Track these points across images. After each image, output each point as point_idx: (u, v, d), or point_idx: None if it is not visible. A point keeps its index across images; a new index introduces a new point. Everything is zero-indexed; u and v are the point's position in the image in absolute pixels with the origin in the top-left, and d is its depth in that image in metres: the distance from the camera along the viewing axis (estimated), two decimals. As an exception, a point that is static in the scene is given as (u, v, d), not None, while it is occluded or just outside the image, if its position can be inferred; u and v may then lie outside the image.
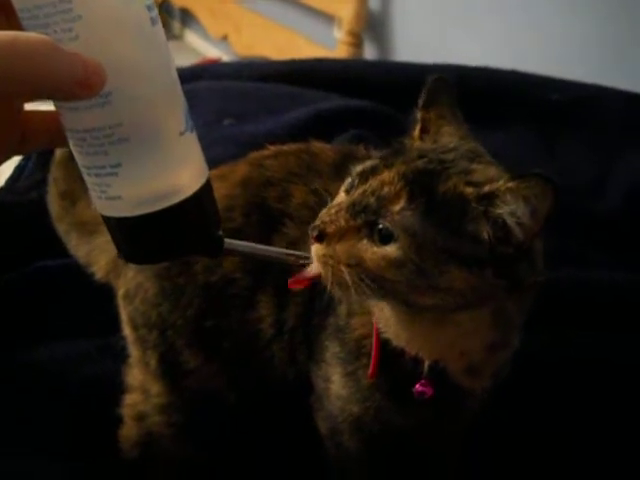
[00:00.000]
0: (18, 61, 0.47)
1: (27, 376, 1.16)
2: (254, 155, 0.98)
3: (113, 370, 1.07)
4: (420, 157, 0.72)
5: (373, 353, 0.82)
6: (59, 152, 1.09)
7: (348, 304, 0.86)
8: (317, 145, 0.97)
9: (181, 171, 0.60)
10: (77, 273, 1.08)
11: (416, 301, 0.70)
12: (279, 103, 1.64)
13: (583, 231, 1.40)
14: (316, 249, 0.71)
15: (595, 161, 1.58)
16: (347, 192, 0.74)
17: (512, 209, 0.65)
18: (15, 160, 1.56)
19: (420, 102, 0.80)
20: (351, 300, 0.82)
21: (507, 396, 0.90)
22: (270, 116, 1.56)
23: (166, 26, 4.57)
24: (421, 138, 0.79)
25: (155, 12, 0.56)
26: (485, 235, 0.67)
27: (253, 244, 0.71)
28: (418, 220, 0.67)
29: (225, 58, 3.85)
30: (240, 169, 0.95)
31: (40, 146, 0.65)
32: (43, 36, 0.49)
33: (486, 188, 0.67)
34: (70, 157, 0.96)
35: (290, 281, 0.73)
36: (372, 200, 0.69)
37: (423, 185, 0.68)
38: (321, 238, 0.70)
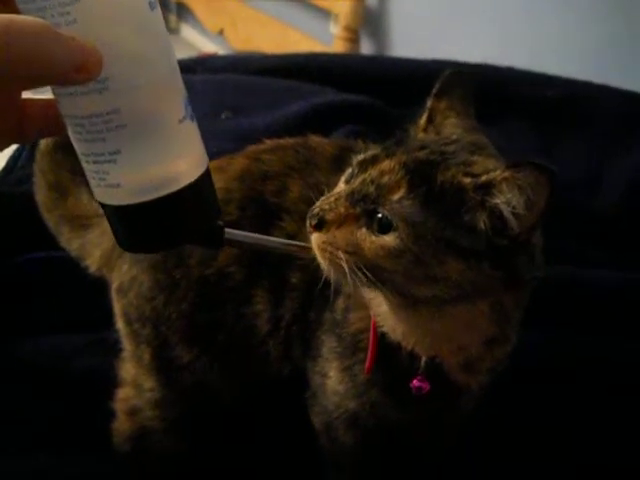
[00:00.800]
0: (14, 45, 0.47)
1: (18, 370, 1.15)
2: (252, 149, 0.97)
3: (106, 364, 1.06)
4: (422, 148, 0.72)
5: (370, 347, 0.82)
6: (44, 142, 1.08)
7: (346, 299, 0.86)
8: (315, 139, 0.96)
9: (180, 159, 0.59)
10: (69, 266, 1.07)
11: (413, 292, 0.69)
12: (276, 97, 1.63)
13: (579, 228, 1.39)
14: (316, 237, 0.71)
15: (591, 158, 1.57)
16: (347, 182, 0.74)
17: (507, 198, 0.65)
18: (8, 152, 1.55)
19: (433, 91, 0.80)
20: (349, 289, 0.81)
21: (504, 394, 0.90)
22: (267, 110, 1.55)
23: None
24: (426, 127, 0.79)
25: None
26: (482, 225, 0.67)
27: (254, 234, 0.71)
28: (417, 210, 0.67)
29: (221, 53, 3.83)
30: (237, 162, 0.95)
31: (38, 134, 0.64)
32: (40, 20, 0.49)
33: (483, 178, 0.67)
34: (55, 147, 0.95)
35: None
36: (372, 189, 0.69)
37: (423, 175, 0.68)
38: (320, 226, 0.70)
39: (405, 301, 0.72)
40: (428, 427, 0.95)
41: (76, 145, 0.58)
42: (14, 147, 1.56)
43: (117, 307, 0.99)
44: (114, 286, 0.99)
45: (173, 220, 0.61)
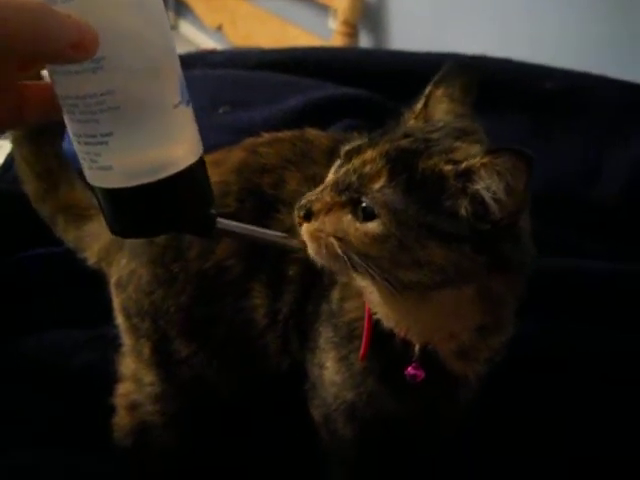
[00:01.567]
0: (12, 19, 0.47)
1: (18, 366, 1.15)
2: (249, 141, 0.97)
3: (106, 359, 1.06)
4: (405, 136, 0.73)
5: (365, 335, 0.82)
6: (15, 132, 1.04)
7: (341, 289, 0.86)
8: (312, 132, 0.96)
9: (174, 144, 0.59)
10: (68, 261, 1.07)
11: (399, 277, 0.70)
12: (274, 91, 1.63)
13: (577, 219, 1.39)
14: (306, 227, 0.72)
15: (590, 149, 1.57)
16: (334, 174, 0.75)
17: (487, 184, 0.66)
18: (5, 149, 1.55)
19: (434, 79, 0.81)
20: (345, 275, 0.81)
21: (499, 384, 0.89)
22: (265, 104, 1.55)
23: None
24: (421, 112, 0.79)
25: None
26: (463, 211, 0.68)
27: (247, 225, 0.71)
28: (398, 197, 0.68)
29: (220, 49, 3.83)
30: (235, 155, 0.95)
31: (36, 117, 0.64)
32: None
33: (463, 165, 0.68)
34: (32, 135, 0.93)
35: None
36: (354, 178, 0.71)
37: (404, 163, 0.69)
38: (308, 217, 0.72)
39: (393, 287, 0.71)
40: (426, 419, 0.95)
41: (69, 125, 0.58)
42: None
43: (116, 301, 0.99)
44: (113, 280, 0.99)
45: (165, 206, 0.61)
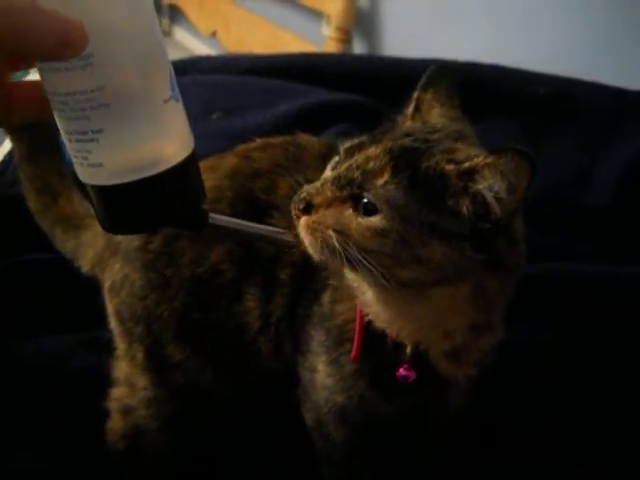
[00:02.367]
0: None
1: (12, 370, 1.16)
2: (242, 147, 0.98)
3: (100, 364, 1.07)
4: (407, 135, 0.74)
5: (357, 335, 0.83)
6: (17, 152, 1.08)
7: (332, 291, 0.87)
8: (304, 137, 0.97)
9: (165, 140, 0.59)
10: (63, 266, 1.08)
11: (397, 274, 0.70)
12: (267, 97, 1.63)
13: (570, 224, 1.40)
14: (305, 220, 0.72)
15: (581, 155, 1.58)
16: (333, 169, 0.75)
17: (490, 184, 0.67)
18: (1, 154, 1.55)
19: (420, 83, 0.82)
20: (338, 273, 0.82)
21: (494, 389, 0.91)
22: (258, 110, 1.55)
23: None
24: (413, 117, 0.81)
25: None
26: (465, 210, 0.69)
27: (240, 220, 0.72)
28: (401, 194, 0.69)
29: (213, 55, 3.84)
30: (228, 161, 0.95)
31: (27, 116, 0.64)
32: None
33: (466, 164, 0.69)
34: (35, 154, 0.95)
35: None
36: (357, 174, 0.71)
37: (407, 161, 0.70)
38: (308, 210, 0.72)
39: (389, 284, 0.72)
40: (416, 422, 0.95)
41: (60, 123, 0.58)
42: (6, 149, 1.55)
43: (109, 306, 1.00)
44: (106, 285, 0.99)
45: (156, 202, 0.61)
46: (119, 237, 0.96)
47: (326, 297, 0.87)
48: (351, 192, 0.71)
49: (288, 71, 1.75)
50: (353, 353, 0.83)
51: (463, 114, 0.83)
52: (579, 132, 1.63)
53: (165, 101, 0.58)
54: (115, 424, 1.05)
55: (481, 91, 1.55)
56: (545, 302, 1.14)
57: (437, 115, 0.81)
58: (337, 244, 0.70)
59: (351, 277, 0.80)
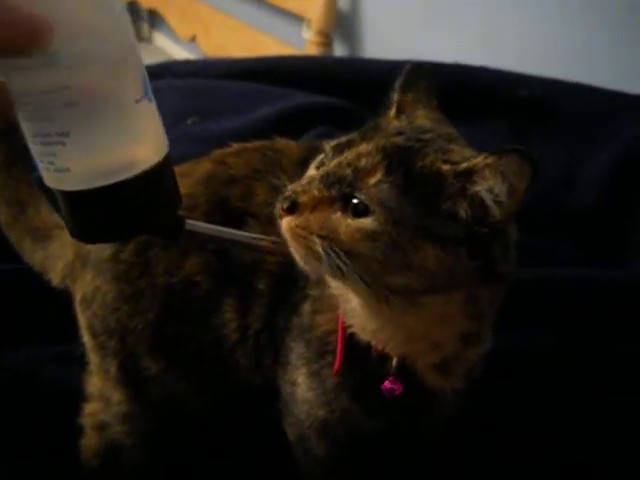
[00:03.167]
0: None
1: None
2: (217, 153, 0.95)
3: (72, 378, 1.03)
4: (398, 134, 0.71)
5: (339, 348, 0.80)
6: None
7: (312, 302, 0.84)
8: (282, 142, 0.94)
9: (137, 142, 0.56)
10: (33, 278, 1.03)
11: (387, 281, 0.67)
12: (244, 101, 1.61)
13: (555, 227, 1.38)
14: (287, 221, 0.68)
15: (565, 156, 1.57)
16: (318, 168, 0.72)
17: (490, 185, 0.64)
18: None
19: (397, 84, 0.79)
20: (321, 281, 0.79)
21: (487, 396, 0.89)
22: (235, 114, 1.53)
23: (134, 29, 4.55)
24: (397, 118, 0.77)
25: None
26: (462, 214, 0.66)
27: (217, 227, 0.69)
28: (395, 194, 0.66)
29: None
30: (202, 167, 0.92)
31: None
32: None
33: (463, 165, 0.66)
34: (8, 163, 0.91)
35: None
36: (348, 172, 0.67)
37: (401, 160, 0.67)
38: (292, 209, 0.68)
39: (377, 293, 0.69)
40: (401, 435, 0.92)
41: (23, 125, 0.55)
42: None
43: (81, 319, 0.97)
44: (78, 297, 0.96)
45: (129, 209, 0.58)
46: (89, 247, 0.93)
47: (306, 307, 0.84)
48: (341, 191, 0.67)
49: (266, 74, 1.73)
50: (335, 366, 0.80)
51: (450, 120, 0.80)
52: (564, 134, 1.62)
53: (137, 101, 0.56)
54: (89, 440, 1.02)
55: (467, 93, 1.54)
56: (538, 308, 1.12)
57: (422, 117, 0.78)
58: (322, 251, 0.66)
59: (335, 285, 0.77)
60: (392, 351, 0.77)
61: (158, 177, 0.59)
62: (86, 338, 0.97)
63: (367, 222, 0.66)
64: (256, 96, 1.63)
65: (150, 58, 0.50)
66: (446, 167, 0.66)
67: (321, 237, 0.67)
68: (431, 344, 0.76)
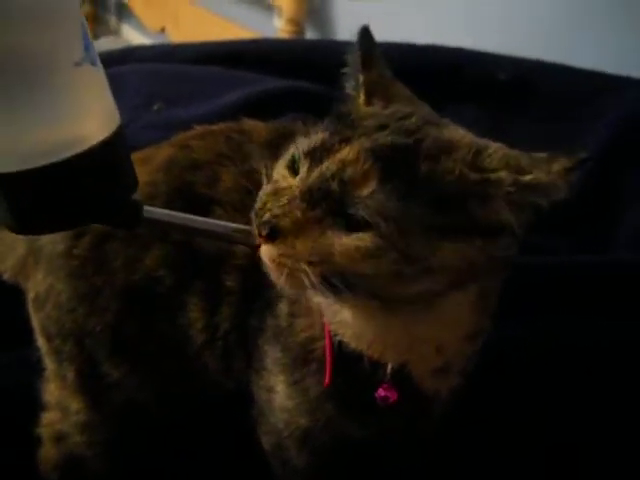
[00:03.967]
0: None
1: None
2: (179, 136, 0.89)
3: (28, 385, 0.96)
4: (381, 127, 0.62)
5: (327, 359, 0.72)
6: None
7: (290, 304, 0.76)
8: (249, 123, 0.88)
9: (79, 114, 0.49)
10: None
11: (397, 292, 0.61)
12: (212, 86, 1.55)
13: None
14: (269, 250, 0.60)
15: (546, 139, 1.50)
16: (290, 169, 0.63)
17: (554, 196, 0.58)
18: None
19: (357, 62, 0.70)
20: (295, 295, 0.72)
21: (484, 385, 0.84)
22: (203, 100, 1.47)
23: (101, 21, 4.46)
24: (369, 103, 0.68)
25: None
26: (508, 219, 0.59)
27: (180, 214, 0.61)
28: (395, 203, 0.57)
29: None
30: (163, 152, 0.86)
31: None
32: None
33: (527, 177, 0.57)
34: None
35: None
36: (334, 186, 0.59)
37: (398, 164, 0.59)
38: (274, 236, 0.59)
39: (385, 304, 0.62)
40: (392, 440, 0.86)
41: None
42: None
43: (35, 321, 0.91)
44: (30, 297, 0.90)
45: (74, 192, 0.50)
46: (42, 241, 0.86)
47: (283, 308, 0.77)
48: (328, 209, 0.59)
49: (235, 58, 1.67)
50: (326, 378, 0.73)
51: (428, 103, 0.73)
52: (544, 117, 1.57)
53: (77, 64, 0.48)
54: (47, 452, 0.97)
55: (442, 76, 1.48)
56: (527, 293, 1.06)
57: (397, 96, 0.69)
58: (314, 279, 0.58)
59: (315, 298, 0.70)
60: (390, 359, 0.70)
61: (107, 155, 0.51)
62: (40, 342, 0.91)
63: (367, 238, 0.58)
64: (225, 81, 1.57)
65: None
66: (504, 175, 0.58)
67: (312, 264, 0.59)
68: (436, 347, 0.70)
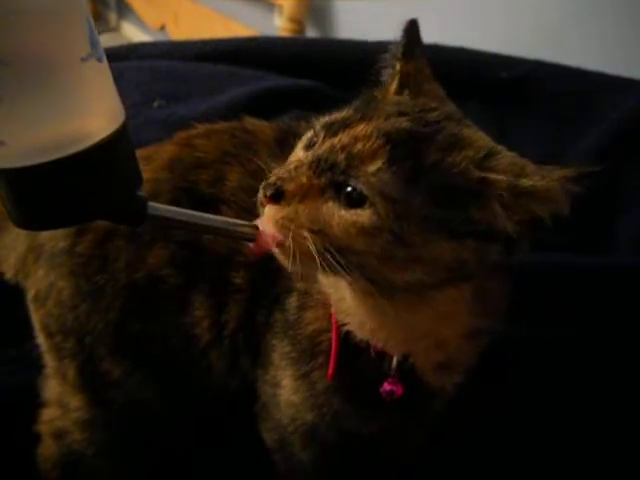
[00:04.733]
0: None
1: None
2: (182, 134, 0.88)
3: (28, 382, 0.96)
4: (400, 114, 0.63)
5: (332, 350, 0.73)
6: None
7: (299, 296, 0.77)
8: (252, 122, 0.88)
9: (86, 110, 0.49)
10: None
11: (391, 278, 0.61)
12: (214, 83, 1.53)
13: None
14: (273, 212, 0.60)
15: (547, 140, 1.51)
16: (307, 148, 0.64)
17: (555, 207, 0.58)
18: None
19: (398, 51, 0.71)
20: (309, 277, 0.72)
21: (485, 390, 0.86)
22: (204, 97, 1.45)
23: (102, 18, 4.45)
24: (399, 93, 0.69)
25: None
26: (507, 227, 0.59)
27: (186, 211, 0.61)
28: (399, 185, 0.58)
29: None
30: (166, 150, 0.86)
31: None
32: None
33: (523, 182, 0.58)
34: None
35: (251, 247, 0.63)
36: (341, 157, 0.60)
37: (409, 149, 0.59)
38: (278, 198, 0.60)
39: (379, 290, 0.62)
40: (395, 438, 0.86)
41: None
42: None
43: (35, 318, 0.90)
44: (30, 295, 0.89)
45: (78, 189, 0.50)
46: (43, 238, 0.86)
47: (292, 302, 0.77)
48: (332, 179, 0.60)
49: (237, 56, 1.66)
50: (329, 370, 0.73)
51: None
52: (545, 117, 1.56)
53: (83, 60, 0.48)
54: (47, 450, 0.96)
55: (445, 75, 1.47)
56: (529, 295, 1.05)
57: (429, 93, 0.70)
58: (313, 248, 0.59)
59: (327, 282, 0.70)
60: (393, 350, 0.71)
61: (113, 151, 0.51)
62: (41, 339, 0.91)
63: (364, 215, 0.59)
64: (226, 78, 1.55)
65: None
66: (500, 178, 0.59)
67: (313, 232, 0.59)
68: (436, 342, 0.70)
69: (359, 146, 0.60)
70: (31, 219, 0.53)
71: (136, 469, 0.96)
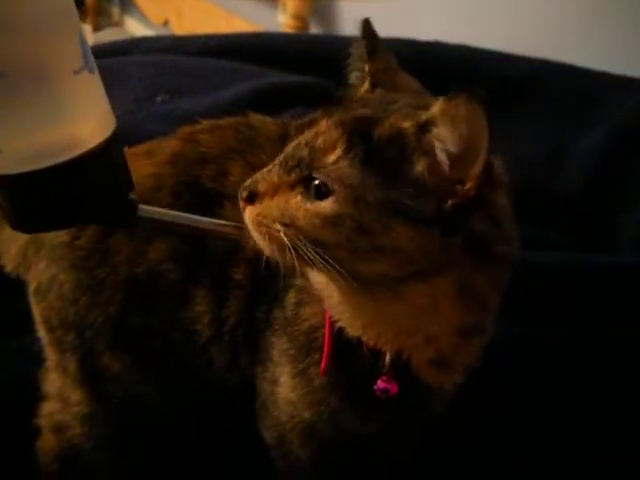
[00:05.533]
0: None
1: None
2: (185, 129, 0.88)
3: (28, 375, 0.96)
4: (364, 106, 0.66)
5: (325, 346, 0.73)
6: None
7: (297, 292, 0.77)
8: (256, 118, 0.88)
9: (78, 119, 0.51)
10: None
11: (359, 269, 0.62)
12: (217, 78, 1.54)
13: (537, 210, 1.33)
14: (249, 211, 0.64)
15: (549, 138, 1.52)
16: None
17: (441, 133, 0.59)
18: None
19: (362, 52, 0.73)
20: (297, 271, 0.70)
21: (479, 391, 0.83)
22: (207, 92, 1.46)
23: (105, 13, 4.46)
24: (372, 92, 0.71)
25: None
26: (419, 168, 0.60)
27: (175, 212, 0.64)
28: (355, 170, 0.61)
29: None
30: (169, 145, 0.86)
31: None
32: None
33: (423, 116, 0.60)
34: None
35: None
36: (305, 152, 0.63)
37: (360, 132, 0.62)
38: (252, 199, 0.64)
39: (356, 283, 0.63)
40: (394, 435, 0.86)
41: None
42: None
43: (36, 311, 0.90)
44: (32, 288, 0.89)
45: (71, 193, 0.53)
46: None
47: (290, 299, 0.78)
48: (300, 174, 0.63)
49: (241, 52, 1.67)
50: (322, 365, 0.74)
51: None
52: (547, 115, 1.57)
53: (76, 72, 0.50)
54: (46, 443, 0.96)
55: (445, 72, 1.48)
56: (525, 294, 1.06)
57: (402, 87, 0.72)
58: (285, 239, 0.61)
59: (314, 278, 0.71)
60: (385, 346, 0.71)
61: (104, 158, 0.54)
62: (42, 332, 0.91)
63: (326, 205, 0.61)
64: (230, 74, 1.56)
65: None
66: (407, 124, 0.61)
67: (284, 225, 0.62)
68: (425, 338, 0.70)
69: (320, 140, 0.62)
70: (26, 222, 0.56)
71: (135, 464, 0.96)
